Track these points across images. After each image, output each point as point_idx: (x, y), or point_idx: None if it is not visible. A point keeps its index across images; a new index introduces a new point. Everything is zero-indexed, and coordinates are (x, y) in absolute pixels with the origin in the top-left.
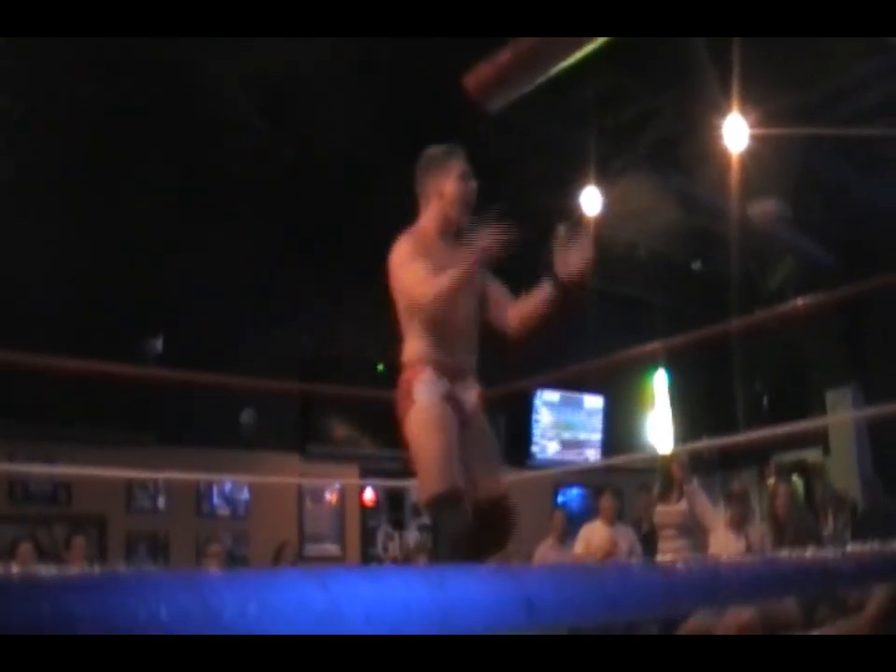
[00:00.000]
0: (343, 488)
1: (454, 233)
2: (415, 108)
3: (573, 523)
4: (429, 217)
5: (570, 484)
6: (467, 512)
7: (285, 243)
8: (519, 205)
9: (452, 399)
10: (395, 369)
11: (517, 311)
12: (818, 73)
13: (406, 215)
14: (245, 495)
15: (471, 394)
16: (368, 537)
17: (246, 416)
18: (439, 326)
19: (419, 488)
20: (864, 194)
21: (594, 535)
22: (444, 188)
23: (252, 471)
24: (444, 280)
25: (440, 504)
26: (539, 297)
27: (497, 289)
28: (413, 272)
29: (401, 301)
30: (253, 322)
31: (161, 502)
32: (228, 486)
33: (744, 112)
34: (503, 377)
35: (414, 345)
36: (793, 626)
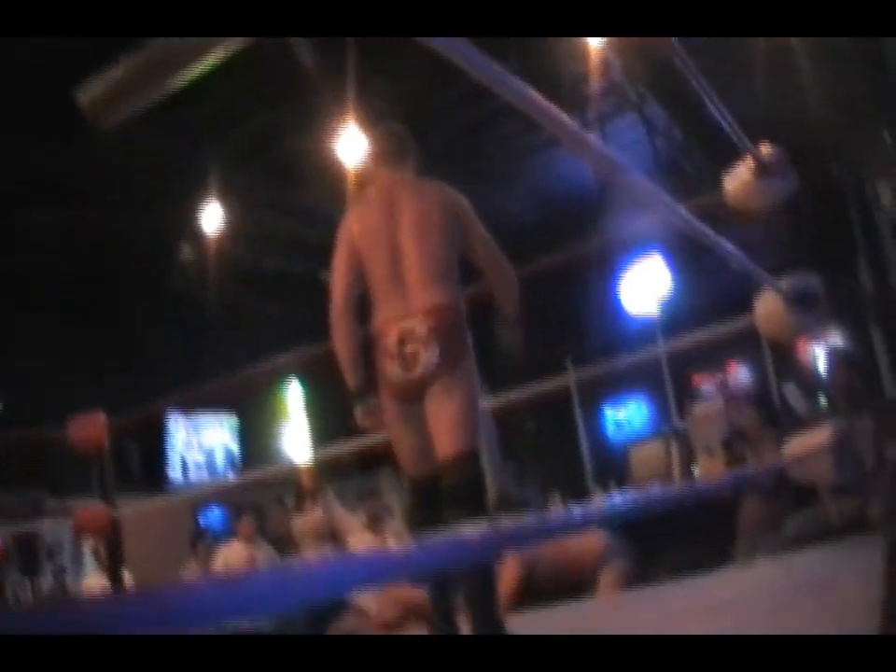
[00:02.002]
0: None
1: None
2: None
3: (216, 543)
4: None
5: (210, 505)
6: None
7: None
8: (143, 222)
9: None
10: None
11: None
12: (430, 88)
13: None
14: None
15: None
16: None
17: None
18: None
19: (450, 437)
20: (476, 195)
21: (231, 554)
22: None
23: None
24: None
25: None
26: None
27: None
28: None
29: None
30: None
31: None
32: None
33: (360, 127)
34: (133, 402)
35: (458, 291)
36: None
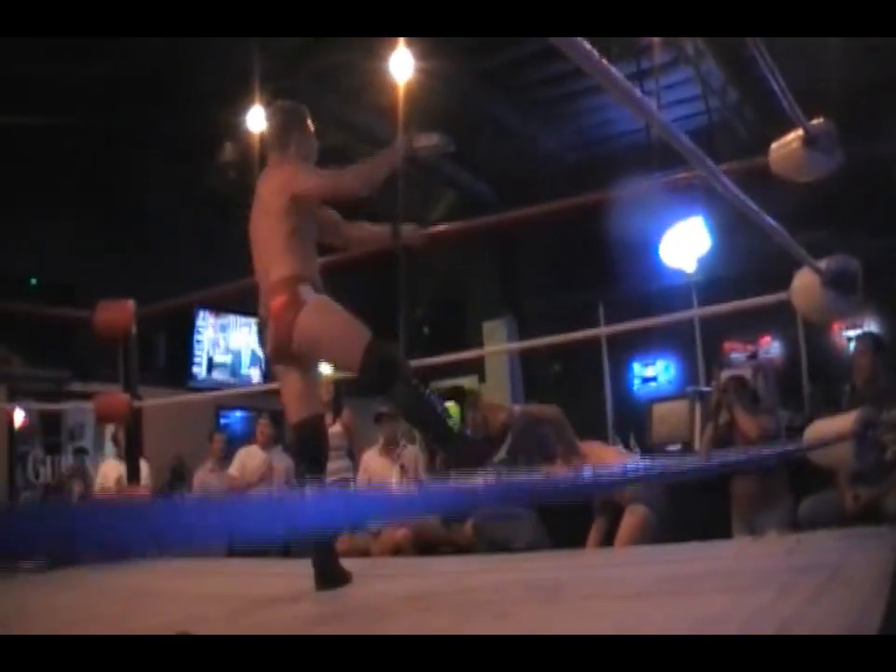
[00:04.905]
0: None
1: None
2: None
3: (235, 446)
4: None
5: (233, 407)
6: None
7: None
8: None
9: None
10: (51, 285)
11: (357, 233)
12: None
13: None
14: None
15: None
16: (19, 462)
17: None
18: (308, 244)
19: (343, 356)
20: (525, 135)
21: (249, 458)
22: (306, 144)
23: None
24: (366, 168)
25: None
26: (379, 235)
27: (329, 211)
28: (324, 176)
29: (287, 220)
30: None
31: None
32: None
33: (411, 44)
34: (164, 293)
35: (290, 264)
36: (440, 541)
